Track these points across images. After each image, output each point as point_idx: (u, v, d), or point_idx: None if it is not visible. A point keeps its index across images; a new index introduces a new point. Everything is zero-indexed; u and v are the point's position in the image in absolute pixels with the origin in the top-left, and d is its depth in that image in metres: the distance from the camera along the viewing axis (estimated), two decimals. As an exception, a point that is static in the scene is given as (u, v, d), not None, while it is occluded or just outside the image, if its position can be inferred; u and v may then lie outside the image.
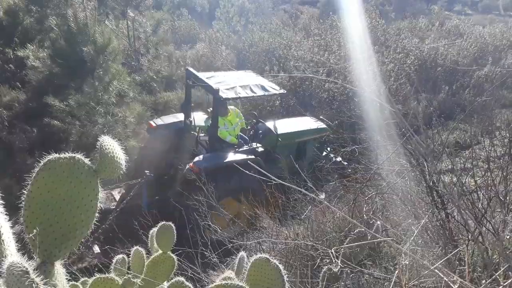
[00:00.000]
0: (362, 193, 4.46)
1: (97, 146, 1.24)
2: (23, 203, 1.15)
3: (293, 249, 3.87)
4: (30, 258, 1.08)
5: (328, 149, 7.96)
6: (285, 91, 7.06)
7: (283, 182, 2.56)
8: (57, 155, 1.18)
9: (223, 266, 3.76)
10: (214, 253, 3.90)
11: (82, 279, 1.80)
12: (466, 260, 2.32)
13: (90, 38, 7.63)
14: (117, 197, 6.58)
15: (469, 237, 2.86)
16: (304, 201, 4.89)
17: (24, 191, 1.16)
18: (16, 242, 1.11)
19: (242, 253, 1.94)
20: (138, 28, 11.22)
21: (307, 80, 10.98)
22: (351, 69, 9.99)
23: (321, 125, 7.64)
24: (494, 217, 2.93)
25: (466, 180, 3.56)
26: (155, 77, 10.77)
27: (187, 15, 17.60)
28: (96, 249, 5.46)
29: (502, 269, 2.16)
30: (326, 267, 2.54)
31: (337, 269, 2.50)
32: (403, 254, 2.59)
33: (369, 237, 3.00)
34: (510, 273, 2.03)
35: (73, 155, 1.20)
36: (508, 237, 2.78)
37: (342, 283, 2.84)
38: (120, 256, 2.06)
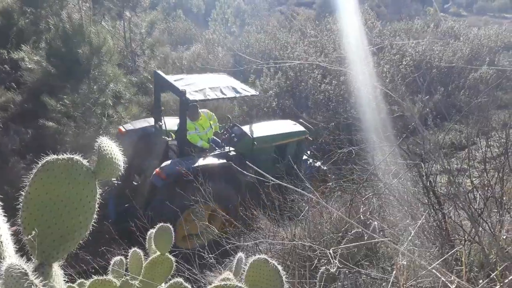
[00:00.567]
0: (359, 194, 4.47)
1: (95, 148, 1.24)
2: (21, 204, 1.14)
3: (291, 250, 3.87)
4: (28, 259, 1.07)
5: (309, 152, 7.83)
6: (258, 93, 6.81)
7: (280, 182, 2.56)
8: (55, 156, 1.17)
9: (220, 267, 3.76)
10: (212, 254, 3.90)
11: (79, 281, 1.79)
12: (463, 260, 2.33)
13: (85, 39, 7.60)
14: None
15: (466, 237, 2.88)
16: (301, 201, 4.90)
17: (21, 193, 1.15)
18: (14, 243, 1.11)
19: (240, 254, 1.94)
20: (134, 29, 11.21)
21: (303, 81, 11.01)
22: (347, 69, 10.01)
23: (300, 128, 7.48)
24: (490, 217, 2.94)
25: (463, 180, 3.58)
26: (151, 78, 10.75)
27: (183, 16, 17.60)
28: None
29: (499, 268, 2.17)
30: (324, 267, 2.55)
31: (334, 270, 2.51)
32: (400, 255, 2.59)
33: (366, 238, 3.00)
34: (507, 272, 2.03)
35: (71, 156, 1.20)
36: (504, 237, 2.79)
37: (340, 283, 2.84)
38: (118, 257, 2.06)
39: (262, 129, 7.01)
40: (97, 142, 1.25)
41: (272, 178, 2.44)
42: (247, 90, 6.50)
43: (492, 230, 2.69)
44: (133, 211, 5.37)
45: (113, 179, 5.72)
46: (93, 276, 1.68)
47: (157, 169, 5.50)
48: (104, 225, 5.19)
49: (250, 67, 10.13)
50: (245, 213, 4.97)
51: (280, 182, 2.54)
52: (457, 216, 3.23)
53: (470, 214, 2.86)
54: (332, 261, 2.43)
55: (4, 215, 1.08)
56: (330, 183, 5.52)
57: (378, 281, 3.12)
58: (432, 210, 3.30)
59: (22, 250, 1.12)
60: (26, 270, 0.90)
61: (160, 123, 6.51)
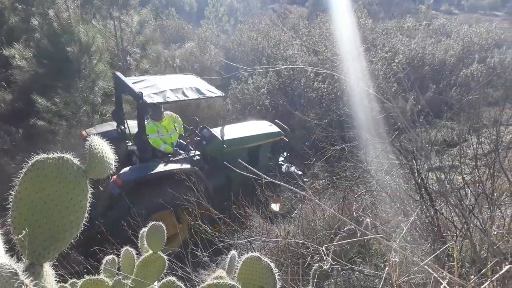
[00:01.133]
0: (351, 191, 4.49)
1: (86, 146, 1.23)
2: (11, 204, 1.13)
3: (284, 247, 3.89)
4: (19, 259, 1.06)
5: (285, 154, 7.59)
6: (223, 94, 6.48)
7: (273, 180, 2.56)
8: (45, 155, 1.16)
9: (213, 265, 3.75)
10: (205, 252, 3.89)
11: (71, 281, 1.78)
12: (455, 256, 2.35)
13: (74, 37, 7.54)
14: None
15: (457, 233, 2.90)
16: (295, 199, 4.91)
17: (11, 192, 1.14)
18: (5, 243, 1.10)
19: (233, 252, 1.93)
20: (125, 28, 11.13)
21: (296, 79, 11.02)
22: (340, 67, 10.04)
23: (275, 129, 7.20)
24: (481, 213, 2.97)
25: (454, 177, 3.61)
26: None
27: (176, 14, 17.52)
28: None
29: (490, 264, 2.19)
30: (317, 264, 2.56)
31: (327, 267, 2.52)
32: (392, 251, 2.61)
33: (359, 235, 3.02)
34: (497, 268, 2.05)
35: (62, 155, 1.19)
36: (495, 232, 2.82)
37: (333, 280, 2.85)
38: (110, 256, 2.05)
39: (234, 131, 6.73)
40: (88, 141, 1.24)
41: (265, 176, 2.44)
42: (212, 92, 6.20)
43: (483, 226, 2.71)
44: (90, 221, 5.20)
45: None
46: (85, 276, 1.68)
47: (114, 176, 5.20)
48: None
49: (239, 73, 10.05)
50: (238, 211, 4.95)
51: (273, 180, 2.54)
52: (449, 213, 3.25)
53: (462, 210, 2.89)
54: (325, 258, 2.44)
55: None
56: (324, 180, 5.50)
57: (371, 277, 3.14)
58: (424, 207, 3.32)
59: (12, 250, 1.12)
60: (16, 270, 0.90)
61: (123, 127, 6.27)
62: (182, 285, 1.64)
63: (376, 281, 3.06)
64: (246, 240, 3.89)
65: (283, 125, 7.44)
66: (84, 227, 1.24)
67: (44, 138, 7.65)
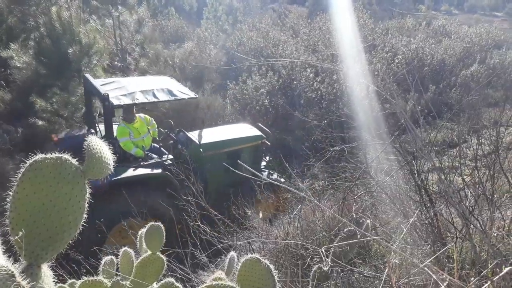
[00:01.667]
0: (351, 192, 4.48)
1: (84, 147, 1.22)
2: (9, 205, 1.12)
3: (283, 249, 3.87)
4: (16, 260, 1.05)
5: (267, 158, 7.38)
6: (197, 96, 6.30)
7: (273, 181, 2.56)
8: (43, 156, 1.15)
9: (212, 266, 3.75)
10: (204, 253, 3.88)
11: (70, 281, 1.77)
12: (455, 258, 2.35)
13: (75, 37, 7.54)
14: None
15: (457, 234, 2.89)
16: (294, 199, 4.90)
17: (9, 193, 1.13)
18: (2, 244, 1.09)
19: (233, 253, 1.92)
20: (123, 28, 11.13)
21: (295, 80, 11.01)
22: (339, 68, 10.04)
23: (256, 132, 6.96)
24: (481, 215, 2.96)
25: (454, 178, 3.60)
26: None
27: (175, 14, 17.52)
28: None
29: (490, 266, 2.19)
30: (316, 266, 2.55)
31: (327, 268, 2.51)
32: (392, 253, 2.61)
33: (358, 236, 3.01)
34: (497, 269, 2.05)
35: (60, 155, 1.18)
36: (495, 234, 2.81)
37: (332, 282, 2.85)
38: (109, 257, 2.03)
39: (212, 134, 6.53)
40: (86, 141, 1.23)
41: (265, 177, 2.43)
42: (185, 93, 6.03)
43: (483, 227, 2.70)
44: None
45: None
46: (84, 276, 1.67)
47: None
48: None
49: (243, 65, 10.08)
50: (237, 212, 4.93)
51: (273, 181, 2.53)
52: (449, 214, 3.25)
53: (462, 211, 2.88)
54: (324, 260, 2.43)
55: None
56: (323, 181, 5.46)
57: (370, 279, 3.13)
58: (424, 208, 3.31)
59: (10, 251, 1.11)
60: (13, 272, 0.89)
61: (92, 131, 6.09)
62: (181, 286, 1.63)
63: (376, 282, 3.05)
64: (245, 241, 3.89)
65: (265, 128, 7.25)
66: (83, 227, 1.23)
67: (44, 138, 7.64)
